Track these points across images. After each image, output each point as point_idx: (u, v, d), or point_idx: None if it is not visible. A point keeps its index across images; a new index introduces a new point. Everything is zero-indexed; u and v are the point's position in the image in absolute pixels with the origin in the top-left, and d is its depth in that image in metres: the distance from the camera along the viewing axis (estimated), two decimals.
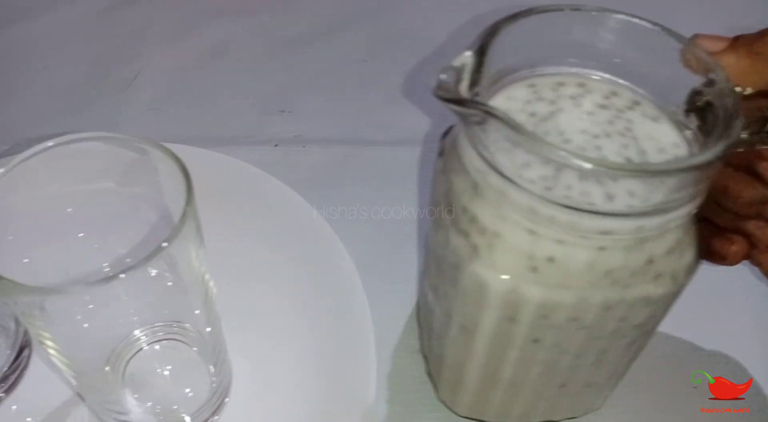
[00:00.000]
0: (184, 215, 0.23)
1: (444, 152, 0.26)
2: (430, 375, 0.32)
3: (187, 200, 0.23)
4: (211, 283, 0.27)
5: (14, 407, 0.32)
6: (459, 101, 0.21)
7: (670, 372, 0.33)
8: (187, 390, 0.31)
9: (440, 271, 0.26)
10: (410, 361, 0.34)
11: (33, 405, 0.32)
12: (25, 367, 0.32)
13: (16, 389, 0.32)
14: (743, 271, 0.35)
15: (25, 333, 0.33)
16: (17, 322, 0.32)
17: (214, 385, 0.31)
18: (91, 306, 0.24)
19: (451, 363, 0.28)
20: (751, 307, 0.36)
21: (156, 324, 0.31)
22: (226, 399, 0.31)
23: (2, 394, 0.32)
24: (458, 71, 0.22)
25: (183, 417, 0.31)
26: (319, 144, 0.45)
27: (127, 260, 0.29)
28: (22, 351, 0.32)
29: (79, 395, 0.31)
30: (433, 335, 0.30)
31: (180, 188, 0.24)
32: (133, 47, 0.52)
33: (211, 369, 0.31)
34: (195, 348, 0.31)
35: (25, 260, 0.25)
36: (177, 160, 0.24)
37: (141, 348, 0.31)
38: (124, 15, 0.54)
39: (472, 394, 0.29)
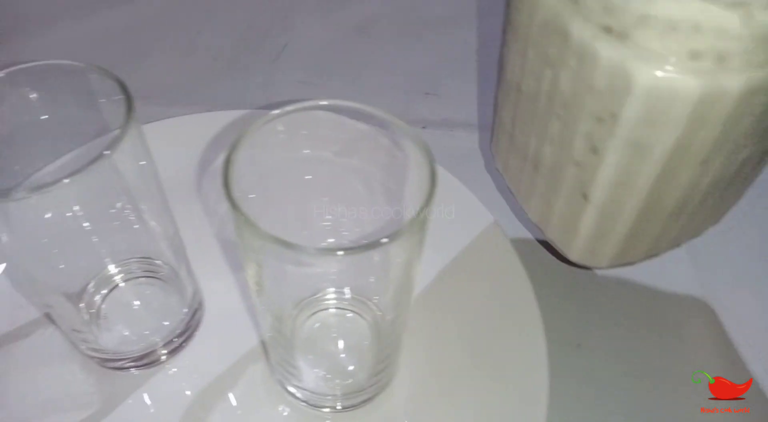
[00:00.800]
0: (420, 215, 0.22)
1: None
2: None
3: (427, 200, 0.22)
4: (418, 267, 0.26)
5: (173, 370, 0.32)
6: None
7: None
8: (350, 366, 0.31)
9: (579, 94, 0.24)
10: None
11: (191, 373, 0.31)
12: (195, 330, 0.32)
13: (180, 353, 0.32)
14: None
15: (200, 297, 0.33)
16: (194, 283, 0.32)
17: (378, 366, 0.30)
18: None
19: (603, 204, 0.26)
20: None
21: (345, 288, 0.31)
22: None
23: (165, 356, 0.32)
24: None
25: (336, 398, 0.30)
26: (466, 129, 0.44)
27: (339, 219, 0.29)
28: (195, 313, 0.32)
29: (265, 349, 0.31)
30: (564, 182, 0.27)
31: (422, 183, 0.23)
32: (281, 19, 0.52)
33: (381, 348, 0.30)
34: (370, 332, 0.31)
35: (252, 196, 0.24)
36: (427, 152, 0.23)
37: (321, 310, 0.31)
38: None
39: (623, 237, 0.26)
